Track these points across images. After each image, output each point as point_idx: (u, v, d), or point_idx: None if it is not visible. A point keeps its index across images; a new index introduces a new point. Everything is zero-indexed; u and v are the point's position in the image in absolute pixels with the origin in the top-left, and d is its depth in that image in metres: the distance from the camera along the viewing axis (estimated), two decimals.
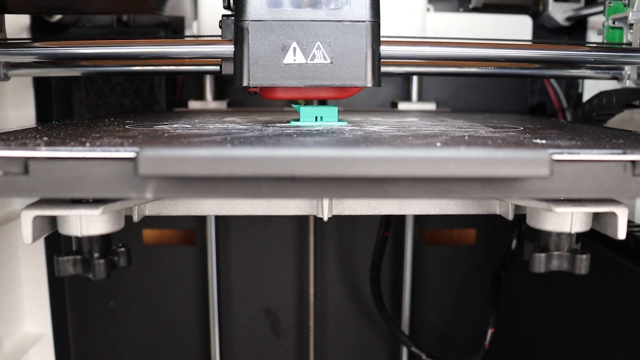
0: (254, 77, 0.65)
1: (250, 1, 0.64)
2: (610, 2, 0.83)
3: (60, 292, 1.18)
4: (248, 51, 0.65)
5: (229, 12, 0.68)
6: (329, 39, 0.65)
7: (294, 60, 0.65)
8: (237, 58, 0.66)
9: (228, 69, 0.68)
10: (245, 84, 0.65)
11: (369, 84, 0.66)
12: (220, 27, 0.68)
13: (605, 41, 0.84)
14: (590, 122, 0.98)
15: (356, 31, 0.65)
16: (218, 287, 1.16)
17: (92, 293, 1.20)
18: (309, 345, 1.23)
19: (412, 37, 0.86)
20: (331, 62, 0.65)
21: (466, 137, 0.55)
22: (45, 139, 0.51)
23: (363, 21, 0.65)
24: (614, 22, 0.82)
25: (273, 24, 0.65)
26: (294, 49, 0.65)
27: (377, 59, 0.67)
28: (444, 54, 0.74)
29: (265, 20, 0.64)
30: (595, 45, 0.80)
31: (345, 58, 0.65)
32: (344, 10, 0.65)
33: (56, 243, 1.06)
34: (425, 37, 1.05)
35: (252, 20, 0.64)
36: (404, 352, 1.21)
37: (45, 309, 1.15)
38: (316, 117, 0.72)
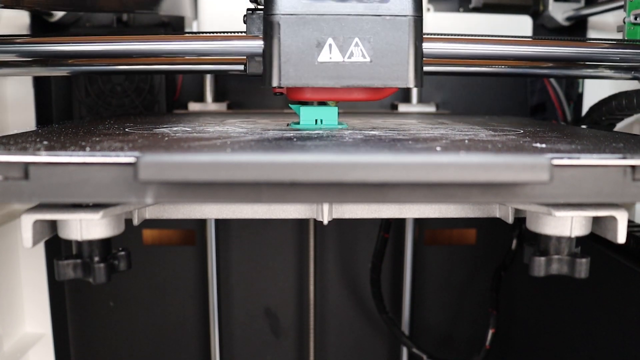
0: (285, 76, 0.60)
1: None
2: None
3: (60, 292, 1.19)
4: (279, 48, 0.59)
5: (254, 6, 0.63)
6: (368, 35, 0.60)
7: (330, 58, 0.60)
8: (267, 55, 0.61)
9: (255, 67, 0.63)
10: (276, 83, 0.60)
11: (411, 85, 0.62)
12: (245, 21, 0.63)
13: (626, 38, 0.79)
14: (605, 123, 0.93)
15: (398, 27, 0.60)
16: (218, 287, 1.17)
17: (92, 293, 1.20)
18: (309, 345, 1.23)
19: None
20: (370, 61, 0.60)
21: (466, 141, 0.55)
22: (45, 143, 0.51)
23: (405, 16, 0.60)
24: (635, 18, 0.78)
25: (307, 18, 0.59)
26: (330, 45, 0.60)
27: (419, 57, 0.62)
28: (444, 52, 0.70)
29: (298, 14, 0.59)
30: (615, 42, 0.75)
31: (385, 56, 0.60)
32: (385, 4, 0.60)
33: (56, 243, 1.06)
34: (426, 33, 1.04)
35: (284, 14, 0.59)
36: (404, 352, 1.21)
37: (45, 309, 1.15)
38: (316, 121, 0.72)
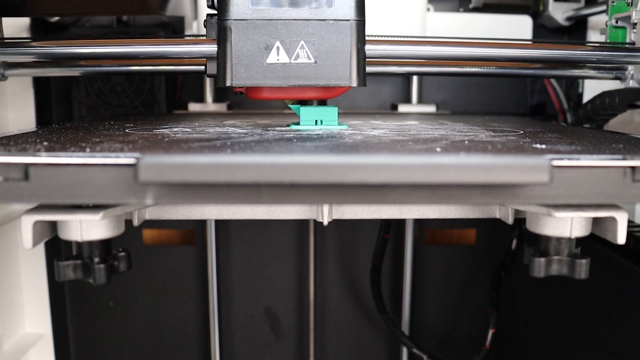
0: (237, 76, 0.64)
1: (234, 0, 0.63)
2: (613, 2, 0.82)
3: (60, 292, 1.19)
4: (231, 50, 0.64)
5: (214, 11, 0.67)
6: (313, 38, 0.64)
7: (278, 59, 0.64)
8: (220, 57, 0.65)
9: (212, 68, 0.67)
10: (228, 83, 0.65)
11: (354, 84, 0.65)
12: (205, 26, 0.68)
13: (608, 41, 0.83)
14: (592, 122, 0.97)
15: (340, 30, 0.64)
16: (218, 287, 1.17)
17: (92, 293, 1.20)
18: (309, 345, 1.23)
19: (412, 37, 0.86)
20: (315, 62, 0.64)
21: (466, 142, 0.55)
22: (45, 144, 0.51)
23: (347, 20, 0.64)
24: (617, 22, 0.81)
25: (256, 23, 0.64)
26: (278, 48, 0.64)
27: (362, 59, 0.66)
28: (444, 54, 0.73)
29: (248, 19, 0.64)
30: (598, 44, 0.79)
31: (329, 57, 0.64)
32: (328, 9, 0.64)
33: (56, 243, 1.06)
34: (425, 37, 1.05)
35: (235, 20, 0.64)
36: (404, 352, 1.21)
37: (45, 309, 1.15)
38: (316, 121, 0.72)
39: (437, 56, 0.74)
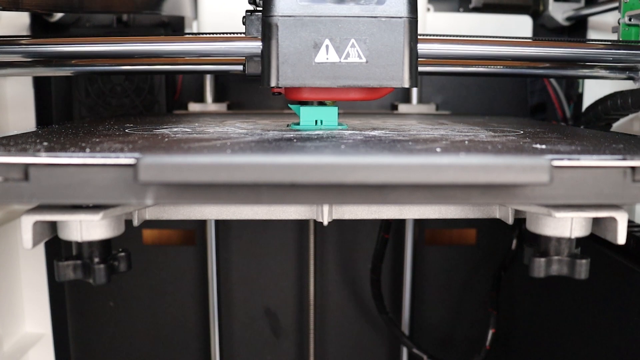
0: (283, 76, 0.61)
1: None
2: None
3: (60, 292, 1.19)
4: (277, 49, 0.61)
5: (252, 8, 0.65)
6: (364, 36, 0.61)
7: (327, 58, 0.61)
8: (265, 56, 0.62)
9: (253, 68, 0.64)
10: (274, 83, 0.62)
11: (406, 85, 0.63)
12: (244, 23, 0.65)
13: (620, 39, 0.80)
14: (600, 122, 0.94)
15: (393, 28, 0.61)
16: (218, 287, 1.17)
17: (92, 293, 1.20)
18: (309, 345, 1.23)
19: None
20: (366, 61, 0.62)
21: (466, 142, 0.55)
22: (45, 144, 0.51)
23: (400, 17, 0.61)
24: (630, 19, 0.79)
25: (304, 20, 0.61)
26: (327, 46, 0.61)
27: (414, 58, 0.63)
28: (445, 53, 0.72)
29: (296, 16, 0.60)
30: (610, 42, 0.76)
31: (381, 57, 0.62)
32: (380, 6, 0.61)
33: (56, 243, 1.06)
34: (425, 35, 1.04)
35: (282, 16, 0.61)
36: (404, 352, 1.21)
37: (45, 309, 1.15)
38: (316, 121, 0.72)
39: (437, 55, 0.73)
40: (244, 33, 0.66)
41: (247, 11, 0.65)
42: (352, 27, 0.61)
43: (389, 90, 0.66)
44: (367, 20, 0.61)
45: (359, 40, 0.62)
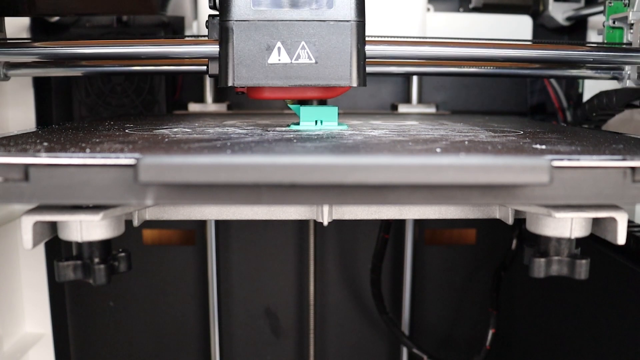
0: (238, 77, 0.65)
1: (235, 1, 0.64)
2: (610, 2, 0.82)
3: (60, 292, 1.19)
4: (233, 51, 0.64)
5: (215, 12, 0.67)
6: (314, 38, 0.65)
7: (279, 60, 0.65)
8: (222, 58, 0.66)
9: (214, 68, 0.68)
10: (230, 83, 0.65)
11: (354, 84, 0.66)
12: (207, 27, 0.68)
13: (605, 41, 0.83)
14: (590, 122, 0.97)
15: (341, 31, 0.65)
16: (218, 287, 1.17)
17: (92, 293, 1.20)
18: (309, 345, 1.23)
19: (412, 37, 0.86)
20: (316, 62, 0.65)
21: (466, 142, 0.55)
22: (45, 144, 0.51)
23: (348, 21, 0.65)
24: (614, 22, 0.82)
25: (258, 24, 0.64)
26: (279, 48, 0.65)
27: (362, 59, 0.66)
28: (444, 54, 0.74)
29: (249, 20, 0.64)
30: (595, 45, 0.80)
31: (330, 58, 0.65)
32: (329, 10, 0.64)
33: (56, 244, 1.06)
34: (425, 37, 1.05)
35: (236, 20, 0.64)
36: (404, 352, 1.21)
37: (45, 309, 1.15)
38: (316, 121, 0.72)
39: (437, 56, 0.74)
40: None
41: (209, 15, 0.68)
42: (303, 30, 0.65)
43: (344, 90, 0.70)
44: (317, 24, 0.65)
45: (309, 43, 0.65)
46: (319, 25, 0.65)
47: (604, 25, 0.83)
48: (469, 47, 0.74)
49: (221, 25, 0.65)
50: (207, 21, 0.68)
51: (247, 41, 0.64)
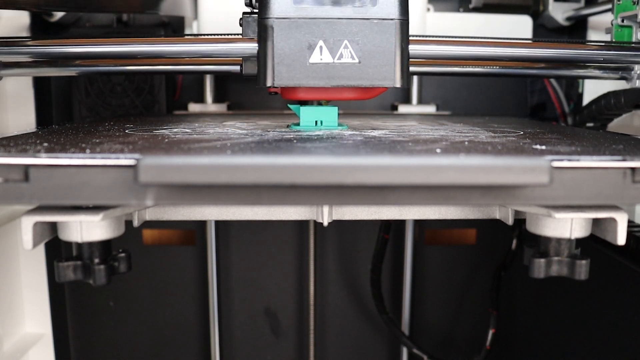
0: (279, 76, 0.63)
1: None
2: (619, 0, 0.81)
3: (60, 292, 1.19)
4: (273, 50, 0.63)
5: (249, 10, 0.66)
6: (357, 37, 0.63)
7: (321, 59, 0.63)
8: (261, 57, 0.64)
9: (250, 68, 0.66)
10: (270, 83, 0.63)
11: (398, 85, 0.64)
12: (241, 24, 0.66)
13: (613, 40, 0.82)
14: (595, 122, 0.96)
15: (385, 30, 0.63)
16: (218, 287, 1.17)
17: (92, 293, 1.20)
18: (309, 345, 1.23)
19: (412, 37, 0.86)
20: (359, 62, 0.64)
21: (466, 143, 0.55)
22: (45, 145, 0.51)
23: (392, 19, 0.63)
24: (622, 21, 0.80)
25: (299, 22, 0.63)
26: (321, 47, 0.63)
27: (406, 59, 0.65)
28: (444, 54, 0.73)
29: (290, 18, 0.62)
30: (603, 43, 0.78)
31: (373, 57, 0.63)
32: (372, 8, 0.63)
33: (56, 243, 1.06)
34: (425, 36, 1.04)
35: (277, 18, 0.62)
36: (404, 352, 1.21)
37: (45, 309, 1.15)
38: (316, 122, 0.72)
39: (437, 56, 0.74)
40: (241, 34, 0.67)
41: (244, 13, 0.66)
42: (345, 28, 0.63)
43: (382, 90, 0.68)
44: (360, 22, 0.63)
45: (352, 42, 0.63)
46: (362, 24, 0.63)
47: (612, 24, 0.82)
48: (472, 46, 0.73)
49: (260, 22, 0.63)
50: (240, 19, 0.66)
51: (287, 40, 0.63)
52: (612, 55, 0.74)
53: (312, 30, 0.63)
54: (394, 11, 0.63)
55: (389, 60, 0.64)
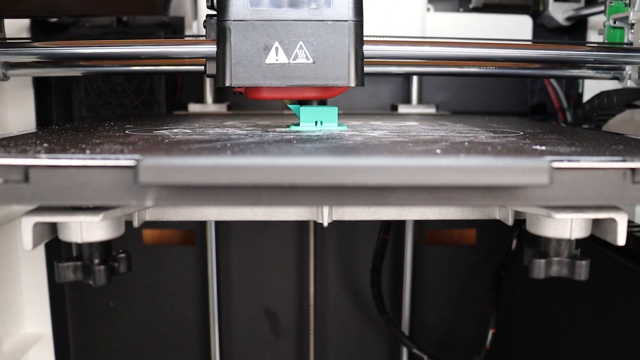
0: (236, 77, 0.65)
1: (233, 1, 0.64)
2: (611, 2, 0.82)
3: (60, 292, 1.19)
4: (230, 51, 0.64)
5: (213, 12, 0.67)
6: (312, 38, 0.64)
7: (276, 60, 0.65)
8: (220, 58, 0.65)
9: (212, 68, 0.68)
10: (227, 83, 0.65)
11: (352, 84, 0.66)
12: (205, 26, 0.68)
13: (606, 41, 0.83)
14: (590, 122, 0.97)
15: (339, 31, 0.65)
16: (218, 287, 1.17)
17: (92, 293, 1.20)
18: (309, 345, 1.23)
19: (412, 37, 0.86)
20: (314, 62, 0.65)
21: (466, 143, 0.55)
22: (45, 145, 0.51)
23: (346, 21, 0.65)
24: (614, 22, 0.82)
25: (255, 24, 0.64)
26: (276, 48, 0.64)
27: (360, 59, 0.66)
28: (444, 54, 0.74)
29: (247, 20, 0.64)
30: (596, 45, 0.80)
31: (327, 58, 0.65)
32: (327, 10, 0.64)
33: (56, 243, 1.06)
34: (425, 37, 1.05)
35: (234, 20, 0.64)
36: (404, 352, 1.21)
37: (45, 309, 1.15)
38: (316, 122, 0.72)
39: (437, 56, 0.74)
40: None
41: (207, 15, 0.68)
42: (301, 30, 0.65)
43: (342, 90, 0.69)
44: (315, 24, 0.64)
45: (307, 42, 0.65)
46: (317, 25, 0.64)
47: (604, 25, 0.83)
48: (469, 47, 0.74)
49: (219, 25, 0.65)
50: (204, 21, 0.68)
51: (244, 41, 0.64)
52: (603, 56, 0.75)
53: (268, 31, 0.64)
54: (347, 13, 0.65)
55: (342, 60, 0.65)
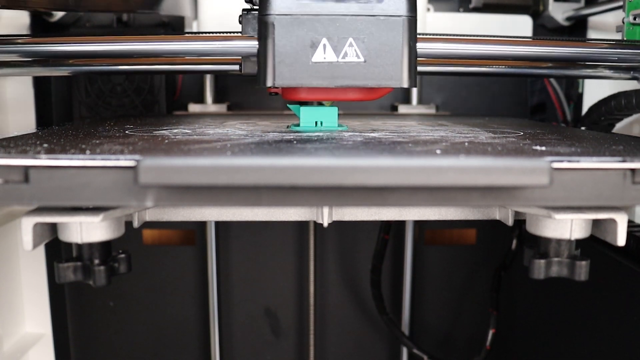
0: (280, 76, 0.60)
1: None
2: None
3: (60, 292, 1.19)
4: (274, 48, 0.59)
5: (249, 7, 0.63)
6: (362, 35, 0.60)
7: (324, 58, 0.60)
8: (261, 56, 0.61)
9: (249, 67, 0.63)
10: (270, 84, 0.60)
11: (405, 85, 0.62)
12: (240, 22, 0.63)
13: (625, 38, 0.79)
14: (604, 122, 0.93)
15: (392, 27, 0.60)
16: (218, 287, 1.17)
17: (92, 293, 1.20)
18: (309, 345, 1.23)
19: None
20: (365, 61, 0.60)
21: (466, 144, 0.55)
22: (45, 145, 0.51)
23: (400, 16, 0.60)
24: (634, 18, 0.78)
25: (301, 19, 0.59)
26: (324, 45, 0.60)
27: (413, 58, 0.62)
28: (444, 52, 0.70)
29: (293, 14, 0.59)
30: (614, 42, 0.75)
31: (380, 56, 0.60)
32: (379, 5, 0.60)
33: (56, 244, 1.06)
34: (425, 34, 1.04)
35: (278, 14, 0.59)
36: (404, 353, 1.21)
37: (45, 309, 1.15)
38: (316, 123, 0.72)
39: (437, 55, 0.71)
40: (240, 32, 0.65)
41: (243, 10, 0.63)
42: (350, 25, 0.60)
43: (388, 91, 0.65)
44: (366, 19, 0.60)
45: (357, 40, 0.60)
46: (368, 21, 0.59)
47: (623, 22, 0.80)
48: (474, 44, 0.70)
49: (260, 19, 0.60)
50: (240, 16, 0.64)
51: (289, 37, 0.59)
52: (624, 54, 0.71)
53: (315, 27, 0.59)
54: (401, 8, 0.60)
55: (396, 59, 0.61)
